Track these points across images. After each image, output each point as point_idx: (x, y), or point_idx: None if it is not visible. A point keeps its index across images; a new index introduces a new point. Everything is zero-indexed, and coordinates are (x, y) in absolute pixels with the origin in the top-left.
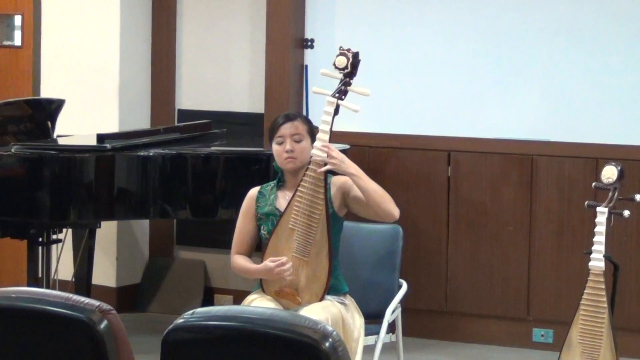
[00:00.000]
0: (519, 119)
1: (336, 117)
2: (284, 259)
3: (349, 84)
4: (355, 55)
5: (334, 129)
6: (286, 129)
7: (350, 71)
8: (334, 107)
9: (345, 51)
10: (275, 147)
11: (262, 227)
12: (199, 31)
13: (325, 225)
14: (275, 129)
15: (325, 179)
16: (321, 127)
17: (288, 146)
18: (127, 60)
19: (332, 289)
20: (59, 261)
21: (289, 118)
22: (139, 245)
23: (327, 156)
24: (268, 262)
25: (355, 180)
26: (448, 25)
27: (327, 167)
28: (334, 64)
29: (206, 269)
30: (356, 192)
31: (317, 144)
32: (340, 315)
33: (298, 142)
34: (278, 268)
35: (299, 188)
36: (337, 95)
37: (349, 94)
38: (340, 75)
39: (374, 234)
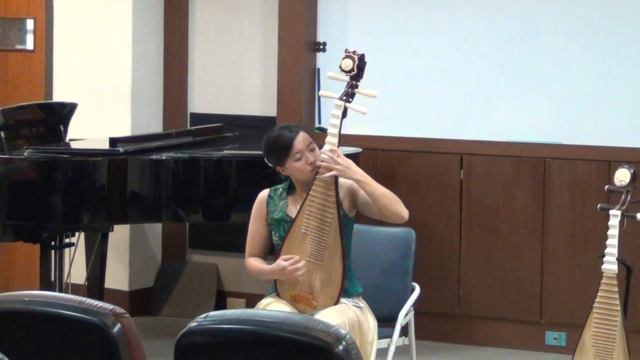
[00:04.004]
0: (531, 121)
1: (348, 120)
2: (296, 257)
3: (356, 86)
4: (361, 57)
5: (342, 132)
6: (300, 142)
7: (356, 73)
8: (342, 110)
9: (351, 53)
10: (295, 165)
11: (273, 233)
12: (211, 35)
13: (337, 228)
14: (289, 147)
15: (336, 182)
16: (330, 130)
17: (311, 158)
18: (139, 64)
19: (345, 291)
20: (72, 265)
21: (294, 131)
22: (152, 248)
23: (334, 162)
24: (281, 261)
25: (362, 186)
26: (460, 28)
27: (333, 173)
28: (340, 67)
29: (219, 272)
30: (364, 194)
31: (326, 147)
32: (356, 318)
33: (313, 150)
34: (291, 267)
35: (311, 192)
36: (344, 98)
37: (357, 96)
38: (347, 78)
39: (387, 238)
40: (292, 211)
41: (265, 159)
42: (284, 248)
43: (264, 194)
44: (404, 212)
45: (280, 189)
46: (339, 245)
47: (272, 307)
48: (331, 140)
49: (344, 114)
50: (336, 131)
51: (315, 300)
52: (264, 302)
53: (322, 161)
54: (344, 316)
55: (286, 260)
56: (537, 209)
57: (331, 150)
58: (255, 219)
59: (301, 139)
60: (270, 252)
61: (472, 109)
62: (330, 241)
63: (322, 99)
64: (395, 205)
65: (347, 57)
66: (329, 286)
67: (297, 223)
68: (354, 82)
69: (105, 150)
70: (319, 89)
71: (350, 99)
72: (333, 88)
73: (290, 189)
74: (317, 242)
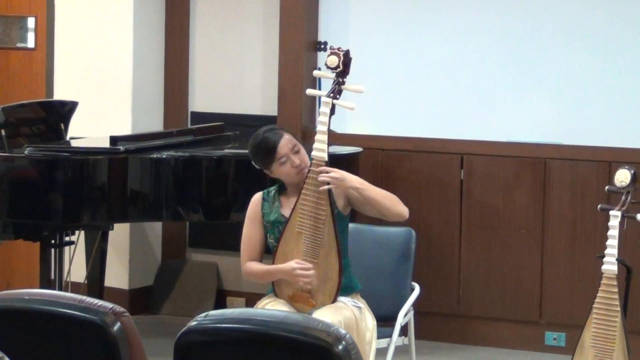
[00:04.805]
0: (532, 122)
1: (348, 119)
2: (310, 265)
3: (343, 83)
4: (347, 54)
5: (343, 132)
6: (284, 147)
7: (342, 70)
8: (330, 107)
9: (336, 50)
10: (280, 169)
11: (269, 236)
12: (213, 34)
13: (331, 225)
14: (273, 152)
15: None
16: (319, 127)
17: (296, 161)
18: (140, 63)
19: (344, 287)
20: (72, 263)
21: (278, 134)
22: (152, 247)
23: (327, 177)
24: (293, 263)
25: (361, 192)
26: (461, 28)
27: (330, 186)
28: (326, 64)
29: (219, 271)
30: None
31: (316, 144)
32: (353, 318)
33: (298, 152)
34: (300, 271)
35: (303, 191)
36: (331, 95)
37: (344, 93)
38: (333, 75)
39: (387, 237)
40: (287, 211)
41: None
42: (279, 249)
43: (257, 197)
44: (405, 211)
45: (273, 191)
46: (334, 242)
47: (270, 307)
48: (321, 137)
49: (332, 111)
50: (325, 128)
51: (313, 299)
52: (262, 302)
53: (314, 158)
54: (340, 315)
55: (299, 264)
56: (538, 209)
57: (320, 171)
58: (251, 222)
59: (285, 143)
60: (267, 251)
61: (473, 109)
62: (325, 238)
63: (322, 99)
64: (396, 206)
65: (332, 54)
66: (326, 283)
67: (291, 223)
68: (340, 79)
69: (105, 148)
70: (319, 88)
71: (338, 96)
72: (327, 88)
73: (282, 190)
74: (312, 240)
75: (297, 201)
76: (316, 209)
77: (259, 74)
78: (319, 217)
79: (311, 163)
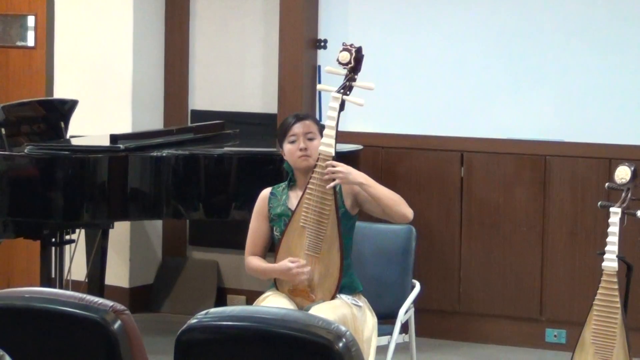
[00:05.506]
0: (532, 119)
1: (349, 117)
2: (303, 261)
3: (354, 79)
4: (359, 50)
5: (344, 129)
6: (299, 127)
7: (354, 66)
8: (339, 102)
9: (349, 46)
10: (288, 147)
11: (274, 228)
12: (213, 32)
13: (335, 220)
14: (288, 129)
15: None
16: (327, 122)
17: (302, 144)
18: (140, 61)
19: (346, 287)
20: (72, 261)
21: (300, 118)
22: (152, 245)
23: (333, 172)
24: (287, 262)
25: (366, 188)
26: (461, 25)
27: (335, 182)
28: (338, 60)
29: (219, 269)
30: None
31: (324, 139)
32: (350, 316)
33: (311, 140)
34: (297, 269)
35: (308, 185)
36: (342, 90)
37: (354, 89)
38: (345, 71)
39: (387, 235)
40: (294, 204)
41: None
42: (282, 243)
43: (265, 192)
44: (409, 213)
45: (283, 186)
46: (337, 237)
47: (270, 301)
48: (328, 132)
49: (342, 107)
50: (333, 123)
51: (313, 294)
52: (263, 295)
53: (321, 153)
54: (336, 314)
55: (292, 262)
56: (538, 206)
57: (326, 166)
58: (257, 217)
59: (302, 125)
60: (270, 249)
61: (473, 106)
62: (328, 234)
63: (322, 97)
64: (400, 206)
65: (344, 50)
66: (327, 279)
67: (295, 217)
68: (352, 75)
69: (105, 147)
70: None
71: (348, 92)
72: (334, 84)
73: (291, 184)
74: (315, 235)
75: (302, 195)
76: (321, 203)
77: (259, 71)
78: (323, 211)
79: (318, 158)
